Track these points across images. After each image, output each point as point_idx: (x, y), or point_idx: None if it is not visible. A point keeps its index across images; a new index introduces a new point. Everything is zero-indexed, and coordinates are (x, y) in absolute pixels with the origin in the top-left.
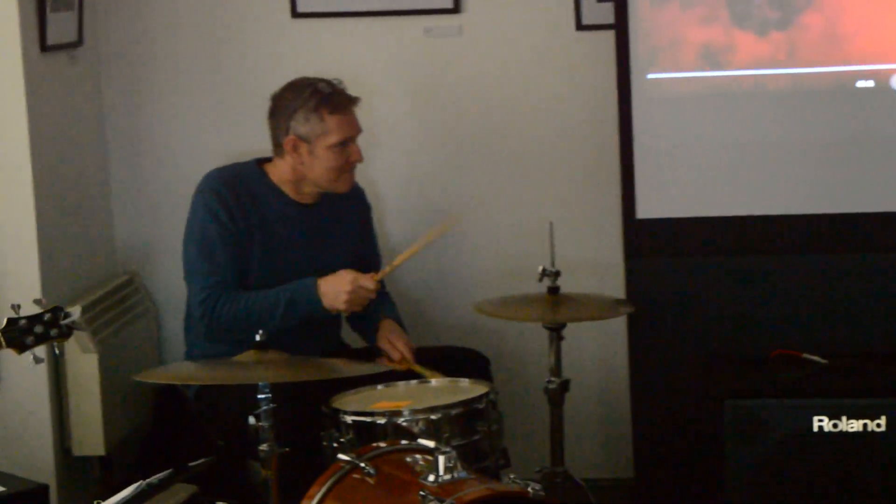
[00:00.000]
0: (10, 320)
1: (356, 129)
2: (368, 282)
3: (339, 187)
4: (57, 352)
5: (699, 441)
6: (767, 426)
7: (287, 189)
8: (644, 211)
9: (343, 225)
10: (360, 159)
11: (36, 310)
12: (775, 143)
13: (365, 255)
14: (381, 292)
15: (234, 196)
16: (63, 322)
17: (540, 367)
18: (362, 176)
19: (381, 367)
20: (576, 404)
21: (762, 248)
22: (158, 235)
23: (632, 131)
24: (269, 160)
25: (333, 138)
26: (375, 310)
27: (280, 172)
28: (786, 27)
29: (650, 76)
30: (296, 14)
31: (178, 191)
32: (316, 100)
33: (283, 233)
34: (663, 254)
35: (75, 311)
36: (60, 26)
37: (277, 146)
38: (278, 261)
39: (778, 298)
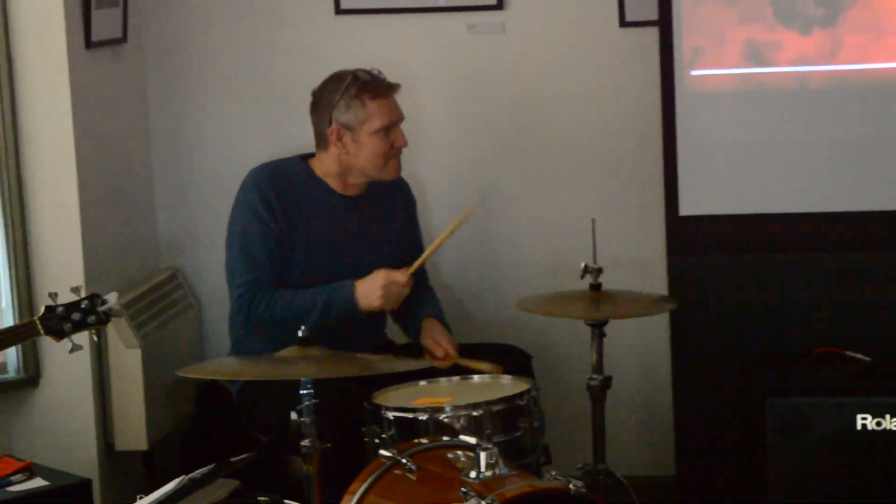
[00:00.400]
0: (47, 308)
1: (398, 115)
2: (400, 276)
3: (387, 174)
4: (96, 339)
5: (741, 439)
6: (810, 424)
7: (332, 182)
8: (687, 207)
9: (388, 218)
10: (405, 144)
11: (73, 297)
12: (819, 140)
13: (409, 250)
14: (425, 287)
15: (277, 192)
16: (100, 309)
17: (582, 364)
18: (406, 172)
19: (423, 363)
20: (617, 401)
21: (805, 245)
22: (201, 231)
23: (675, 128)
24: (312, 155)
25: (376, 123)
26: (419, 308)
27: (325, 166)
28: (830, 24)
29: (693, 73)
30: (339, 11)
31: (221, 186)
32: (356, 87)
33: (327, 227)
34: (706, 250)
35: (112, 298)
36: (105, 23)
37: (321, 139)
38: (321, 256)
39: (821, 295)
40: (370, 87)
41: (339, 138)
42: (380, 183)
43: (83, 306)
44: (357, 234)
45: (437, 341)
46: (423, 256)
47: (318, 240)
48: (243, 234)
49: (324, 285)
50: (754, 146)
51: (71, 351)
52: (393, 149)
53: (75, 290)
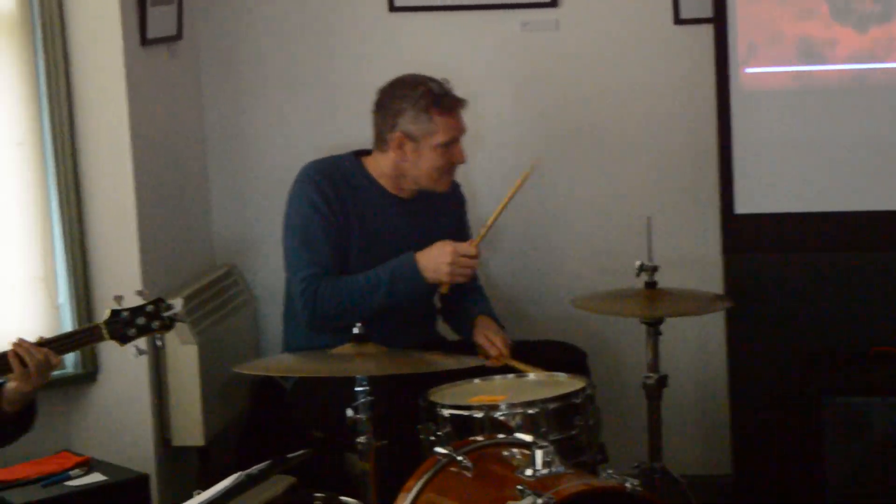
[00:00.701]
0: (113, 312)
1: (462, 130)
2: (469, 248)
3: (439, 187)
4: (159, 343)
5: (798, 438)
6: (867, 423)
7: (385, 182)
8: (742, 206)
9: (439, 218)
10: (463, 160)
11: (138, 301)
12: (875, 139)
13: None
14: (475, 286)
15: (333, 187)
16: (165, 314)
17: (637, 363)
18: (462, 173)
19: (477, 360)
20: (673, 400)
21: (861, 244)
22: (257, 228)
23: (730, 126)
24: (366, 152)
25: (440, 138)
26: (470, 305)
27: (379, 166)
28: (886, 21)
29: (748, 70)
30: (393, 8)
31: (276, 183)
32: (427, 100)
33: (381, 225)
34: (762, 249)
35: (177, 304)
36: (160, 20)
37: (381, 140)
38: (375, 252)
39: (877, 294)
40: (440, 101)
41: (401, 146)
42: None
43: (148, 310)
44: (408, 233)
45: (491, 340)
46: (489, 222)
47: (372, 237)
48: (303, 227)
49: (384, 264)
50: (809, 144)
51: (136, 356)
52: (450, 164)
53: (140, 293)
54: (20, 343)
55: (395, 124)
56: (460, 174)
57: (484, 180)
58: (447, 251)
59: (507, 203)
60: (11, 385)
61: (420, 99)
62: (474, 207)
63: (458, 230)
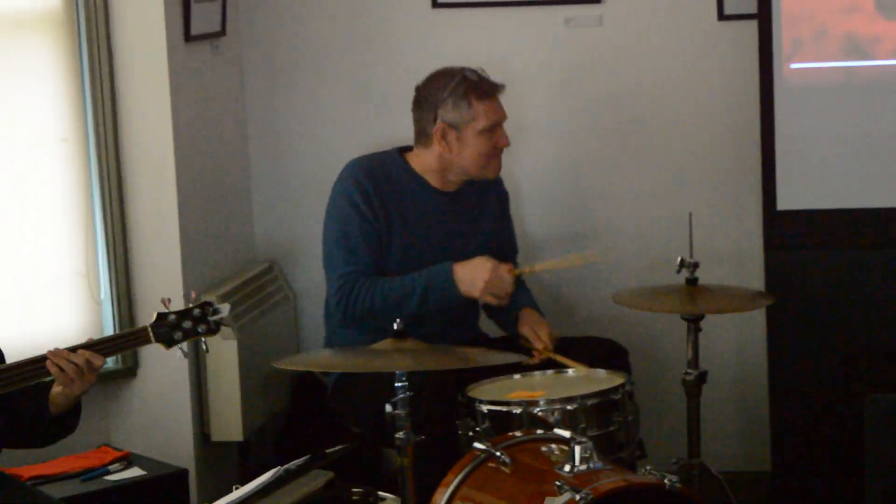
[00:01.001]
0: (159, 315)
1: (503, 115)
2: (506, 274)
3: (488, 173)
4: (205, 348)
5: (839, 436)
6: None
7: (430, 178)
8: (785, 202)
9: (482, 212)
10: (507, 144)
11: (185, 304)
12: None
13: (501, 243)
14: (518, 280)
15: (375, 185)
16: (211, 318)
17: (677, 359)
18: (502, 165)
19: (517, 356)
20: (713, 396)
21: None
22: (298, 225)
23: (773, 122)
24: (409, 149)
25: (482, 123)
26: (514, 299)
27: (424, 161)
28: None
29: (793, 66)
30: (436, 4)
31: (318, 180)
32: (464, 87)
33: (423, 221)
34: (804, 246)
35: (224, 308)
36: (204, 16)
37: (423, 136)
38: (417, 249)
39: None
40: (478, 87)
41: (444, 136)
42: (476, 180)
43: (195, 314)
44: (452, 229)
45: (537, 332)
46: (537, 268)
47: (414, 234)
48: (342, 227)
49: (421, 270)
50: (853, 140)
51: (181, 359)
52: (496, 149)
53: (187, 296)
54: (55, 352)
55: (436, 116)
56: (504, 169)
57: (524, 176)
58: (487, 267)
59: (559, 267)
60: (57, 389)
61: (458, 87)
62: (517, 203)
63: (500, 224)
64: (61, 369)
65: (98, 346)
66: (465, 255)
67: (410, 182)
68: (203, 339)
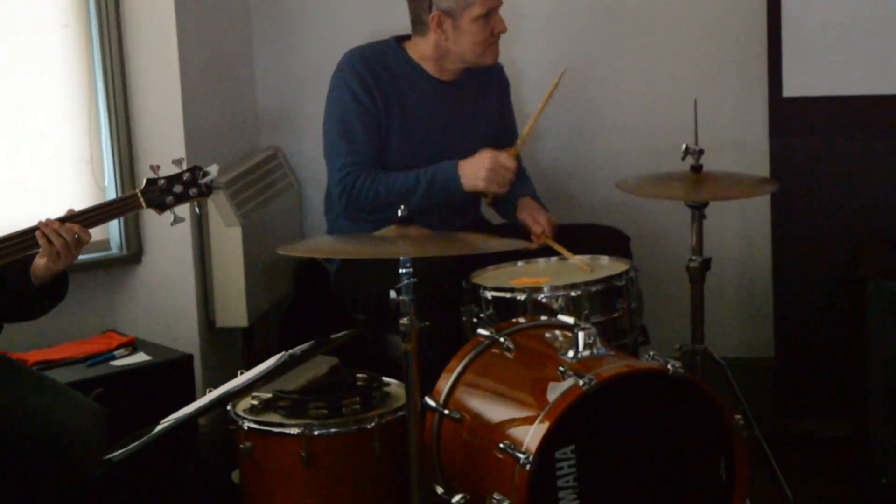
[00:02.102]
0: (149, 181)
1: (498, 1)
2: (507, 160)
3: (486, 59)
4: (198, 211)
5: (842, 322)
6: None
7: (428, 66)
8: (791, 88)
9: (482, 101)
10: (504, 29)
11: (175, 170)
12: None
13: (503, 132)
14: (519, 170)
15: (374, 75)
16: (202, 181)
17: (681, 246)
18: (502, 54)
19: (521, 242)
20: (717, 283)
21: None
22: (302, 109)
23: (780, 6)
24: (407, 38)
25: (477, 10)
26: (514, 188)
27: (421, 50)
28: None
29: None
30: None
31: (322, 65)
32: None
33: (423, 110)
34: (810, 133)
35: (213, 169)
36: None
37: (419, 24)
38: (417, 138)
39: None
40: None
41: (440, 25)
42: (474, 67)
43: (185, 178)
44: (452, 118)
45: (535, 217)
46: (525, 132)
47: (414, 123)
48: (342, 116)
49: (426, 166)
50: (862, 24)
51: (173, 223)
52: (493, 35)
53: (177, 162)
54: (46, 223)
55: (431, 4)
56: (501, 58)
57: (523, 63)
58: (486, 157)
59: (542, 110)
60: (41, 261)
61: None
62: (517, 90)
63: (500, 113)
64: (50, 241)
65: (91, 213)
66: (465, 144)
67: (409, 71)
68: (195, 202)
